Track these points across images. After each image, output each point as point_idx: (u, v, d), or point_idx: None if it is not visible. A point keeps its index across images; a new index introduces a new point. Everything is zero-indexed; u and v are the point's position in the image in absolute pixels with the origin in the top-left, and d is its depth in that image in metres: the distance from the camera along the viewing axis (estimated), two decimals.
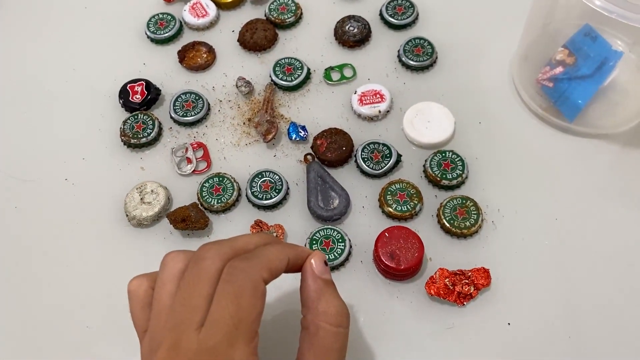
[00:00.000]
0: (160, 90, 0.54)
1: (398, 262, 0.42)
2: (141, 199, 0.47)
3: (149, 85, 0.53)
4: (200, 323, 0.31)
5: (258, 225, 0.46)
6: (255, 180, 0.48)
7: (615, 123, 0.50)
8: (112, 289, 0.44)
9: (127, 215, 0.47)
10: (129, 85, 0.53)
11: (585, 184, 0.48)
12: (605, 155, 0.49)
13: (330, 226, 0.46)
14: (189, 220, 0.46)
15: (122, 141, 0.51)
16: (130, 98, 0.52)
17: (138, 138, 0.50)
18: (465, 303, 0.43)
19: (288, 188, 0.48)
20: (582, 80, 0.50)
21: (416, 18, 0.56)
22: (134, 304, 0.34)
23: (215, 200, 0.47)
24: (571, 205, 0.47)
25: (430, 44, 0.54)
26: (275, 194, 0.47)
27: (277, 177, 0.48)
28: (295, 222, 0.47)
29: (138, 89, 0.53)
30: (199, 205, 0.47)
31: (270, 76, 0.53)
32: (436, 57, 0.54)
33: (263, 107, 0.52)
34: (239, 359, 0.30)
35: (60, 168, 0.50)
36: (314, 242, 0.45)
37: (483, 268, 0.44)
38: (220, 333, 0.30)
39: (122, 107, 0.53)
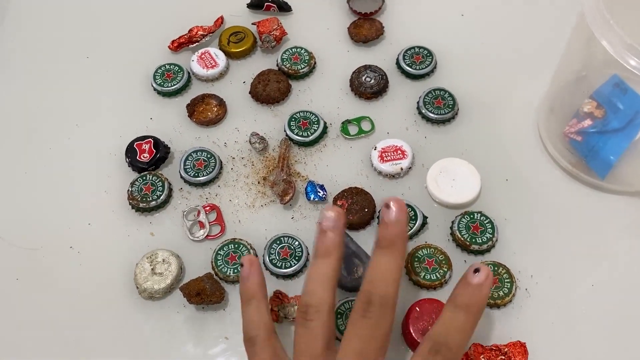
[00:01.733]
0: (170, 147, 0.51)
1: None
2: (152, 269, 0.44)
3: (157, 143, 0.50)
4: None
5: (278, 297, 0.43)
6: (273, 246, 0.45)
7: None
8: None
9: (137, 287, 0.44)
10: (136, 143, 0.50)
11: (621, 245, 0.45)
12: (638, 214, 0.47)
13: (355, 297, 0.43)
14: (203, 293, 0.43)
15: (130, 205, 0.48)
16: (137, 157, 0.50)
17: (147, 202, 0.47)
18: None
19: (308, 254, 0.45)
20: (612, 134, 0.48)
21: (435, 67, 0.54)
22: None
23: (232, 269, 0.44)
24: (608, 269, 0.44)
25: (451, 95, 0.52)
26: (295, 262, 0.45)
27: (296, 242, 0.45)
28: None
29: (146, 147, 0.50)
30: (214, 276, 0.44)
31: (284, 131, 0.51)
32: (457, 109, 0.52)
33: (279, 164, 0.49)
34: None
35: (65, 235, 0.47)
36: (339, 315, 0.42)
37: (519, 342, 0.41)
38: None
39: (129, 166, 0.50)
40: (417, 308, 0.41)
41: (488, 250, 0.45)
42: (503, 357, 0.40)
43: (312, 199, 0.48)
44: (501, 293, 0.43)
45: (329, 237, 0.37)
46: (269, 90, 0.53)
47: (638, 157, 0.48)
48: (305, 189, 0.48)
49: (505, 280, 0.43)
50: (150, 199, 0.48)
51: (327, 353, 0.35)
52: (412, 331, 0.40)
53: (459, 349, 0.34)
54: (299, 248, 0.45)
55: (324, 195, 0.48)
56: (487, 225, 0.45)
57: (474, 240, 0.45)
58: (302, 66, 0.54)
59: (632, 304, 0.43)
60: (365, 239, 0.46)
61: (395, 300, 0.35)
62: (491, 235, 0.45)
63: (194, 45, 0.56)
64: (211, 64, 0.55)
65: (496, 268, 0.44)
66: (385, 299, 0.35)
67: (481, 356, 0.40)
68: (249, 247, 0.45)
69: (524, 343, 0.41)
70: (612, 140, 0.48)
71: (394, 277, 0.36)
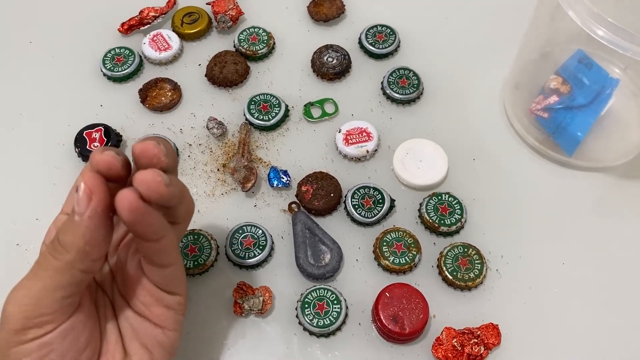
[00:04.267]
0: (122, 135, 0.48)
1: (402, 326, 0.38)
2: None
3: (108, 131, 0.47)
4: None
5: (241, 289, 0.41)
6: (235, 236, 0.43)
7: (615, 156, 0.47)
8: None
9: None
10: (85, 131, 0.47)
11: (590, 222, 0.45)
12: (607, 189, 0.46)
13: (323, 286, 0.41)
14: None
15: None
16: (87, 146, 0.47)
17: None
18: None
19: (273, 243, 0.43)
20: (579, 110, 0.47)
21: (398, 46, 0.52)
22: None
23: (191, 262, 0.42)
24: (577, 247, 0.44)
25: (415, 74, 0.50)
26: (259, 251, 0.43)
27: (260, 231, 0.43)
28: (283, 283, 0.42)
29: (96, 135, 0.47)
30: None
31: (244, 115, 0.49)
32: (422, 89, 0.50)
33: (239, 150, 0.47)
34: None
35: (10, 231, 0.44)
36: (306, 304, 0.40)
37: (492, 324, 0.40)
38: None
39: (79, 156, 0.47)
40: (386, 293, 0.39)
41: (457, 231, 0.44)
42: (476, 340, 0.39)
43: (275, 185, 0.46)
44: (472, 275, 0.41)
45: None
46: (226, 72, 0.50)
47: (605, 132, 0.47)
48: (268, 175, 0.46)
49: (476, 262, 0.42)
50: None
51: None
52: (382, 317, 0.38)
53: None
54: (262, 237, 0.43)
55: (287, 181, 0.46)
56: (455, 206, 0.44)
57: (442, 221, 0.43)
58: (261, 47, 0.52)
59: (603, 281, 0.42)
60: (331, 225, 0.44)
61: None
62: (460, 217, 0.44)
63: (146, 27, 0.53)
64: (164, 46, 0.52)
65: (466, 249, 0.42)
66: None
67: (453, 340, 0.39)
68: (209, 237, 0.43)
69: (497, 325, 0.40)
70: (578, 116, 0.47)
71: None
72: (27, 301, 0.30)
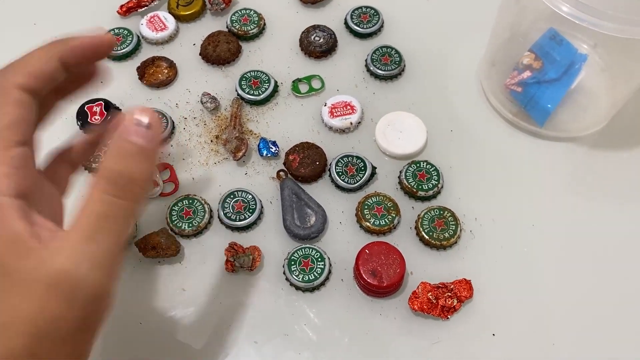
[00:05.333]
0: (121, 109, 0.51)
1: (380, 279, 0.41)
2: None
3: (108, 105, 0.50)
4: None
5: (233, 248, 0.44)
6: (227, 200, 0.46)
7: (584, 126, 0.50)
8: None
9: None
10: (87, 106, 0.50)
11: (559, 188, 0.48)
12: (575, 158, 0.50)
13: (308, 245, 0.44)
14: (159, 247, 0.43)
15: (83, 166, 0.48)
16: (89, 119, 0.50)
17: (99, 162, 0.48)
18: (449, 316, 0.42)
19: (262, 207, 0.47)
20: (550, 84, 0.50)
21: (382, 26, 0.56)
22: None
23: (186, 224, 0.45)
24: (547, 210, 0.47)
25: (397, 52, 0.53)
26: (249, 214, 0.46)
27: (250, 196, 0.46)
28: (271, 243, 0.45)
29: (97, 109, 0.50)
30: (169, 231, 0.45)
31: (236, 90, 0.52)
32: (404, 66, 0.53)
33: (231, 123, 0.50)
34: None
35: None
36: (293, 262, 0.43)
37: (465, 280, 0.43)
38: None
39: (80, 129, 0.50)
40: (366, 250, 0.42)
41: (434, 196, 0.47)
42: (449, 294, 0.42)
43: (264, 154, 0.49)
44: (447, 235, 0.45)
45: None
46: (219, 51, 0.53)
47: (574, 104, 0.50)
48: (258, 146, 0.49)
49: (451, 223, 0.45)
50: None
51: None
52: (361, 272, 0.42)
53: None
54: (252, 201, 0.46)
55: (276, 151, 0.49)
56: (432, 172, 0.47)
57: (420, 187, 0.47)
58: (252, 27, 0.55)
59: (570, 241, 0.45)
60: (317, 191, 0.47)
61: None
62: (437, 182, 0.47)
63: (143, 9, 0.56)
64: (160, 27, 0.55)
65: (442, 212, 0.45)
66: None
67: (428, 293, 0.42)
68: (203, 202, 0.46)
69: (469, 280, 0.43)
70: (549, 89, 0.50)
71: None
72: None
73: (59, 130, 0.50)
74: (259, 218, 0.46)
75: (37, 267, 0.26)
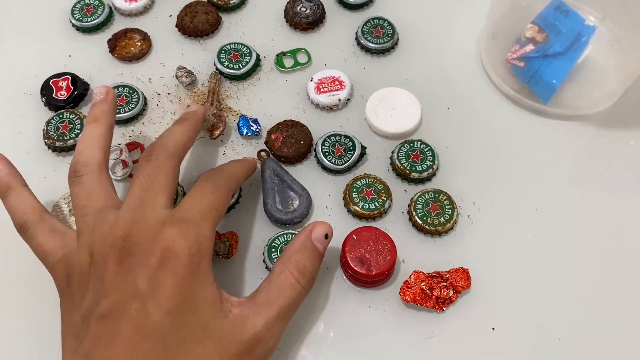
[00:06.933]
0: (89, 84, 0.47)
1: (369, 268, 0.38)
2: (70, 210, 0.41)
3: (75, 79, 0.46)
4: (164, 205, 0.34)
5: None
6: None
7: (591, 103, 0.46)
8: (44, 316, 0.37)
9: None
10: (52, 80, 0.46)
11: (565, 170, 0.44)
12: (582, 138, 0.46)
13: (291, 230, 0.41)
14: None
15: (46, 144, 0.44)
16: (54, 95, 0.46)
17: (64, 140, 0.44)
18: (444, 308, 0.38)
19: (241, 190, 0.43)
20: (554, 58, 0.46)
21: None
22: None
23: None
24: (551, 194, 0.43)
25: (390, 24, 0.49)
26: None
27: None
28: (250, 228, 0.41)
29: (63, 84, 0.46)
30: None
31: (214, 64, 0.48)
32: (397, 39, 0.49)
33: (208, 99, 0.46)
34: (207, 231, 0.34)
35: None
36: (273, 249, 0.40)
37: (462, 268, 0.39)
38: (195, 210, 0.34)
39: (45, 105, 0.46)
40: (354, 236, 0.39)
41: (429, 178, 0.43)
42: (445, 284, 0.39)
43: (245, 133, 0.45)
44: (442, 220, 0.41)
45: (98, 107, 0.38)
46: (197, 22, 0.49)
47: (581, 80, 0.47)
48: (238, 124, 0.45)
49: (447, 207, 0.41)
50: (68, 137, 0.44)
51: (109, 208, 0.35)
52: (348, 259, 0.38)
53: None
54: None
55: (257, 130, 0.45)
56: (427, 153, 0.43)
57: (413, 168, 0.43)
58: None
59: (576, 227, 0.42)
60: (302, 173, 0.44)
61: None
62: (431, 163, 0.43)
63: None
64: None
65: (437, 195, 0.42)
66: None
67: (422, 283, 0.38)
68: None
69: (467, 269, 0.39)
70: (554, 64, 0.46)
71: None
72: None
73: (20, 106, 0.46)
74: (237, 202, 0.42)
75: (233, 329, 0.32)
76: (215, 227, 0.35)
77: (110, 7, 0.51)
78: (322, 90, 0.46)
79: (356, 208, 0.41)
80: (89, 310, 0.31)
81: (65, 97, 0.45)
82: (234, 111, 0.46)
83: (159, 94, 0.47)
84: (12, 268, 0.40)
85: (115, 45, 0.48)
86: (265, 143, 0.44)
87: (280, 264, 0.35)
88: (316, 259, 0.36)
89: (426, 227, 0.41)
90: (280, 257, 0.36)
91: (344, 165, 0.43)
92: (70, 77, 0.46)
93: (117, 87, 0.46)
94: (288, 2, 0.50)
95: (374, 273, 0.37)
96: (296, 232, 0.40)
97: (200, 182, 0.37)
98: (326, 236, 0.36)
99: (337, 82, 0.46)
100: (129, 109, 0.45)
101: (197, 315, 0.32)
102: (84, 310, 0.32)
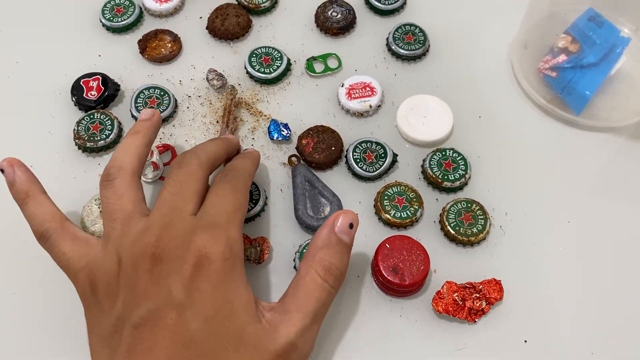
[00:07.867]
0: (119, 85, 0.47)
1: (402, 277, 0.37)
2: (101, 211, 0.41)
3: (106, 80, 0.46)
4: (193, 211, 0.34)
5: None
6: None
7: (624, 115, 0.46)
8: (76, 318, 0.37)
9: (85, 231, 0.40)
10: (82, 80, 0.46)
11: (596, 182, 0.44)
12: (615, 150, 0.45)
13: None
14: None
15: (76, 145, 0.44)
16: (84, 95, 0.45)
17: (95, 141, 0.44)
18: (476, 320, 0.38)
19: (267, 198, 0.42)
20: (588, 69, 0.46)
21: (404, 2, 0.51)
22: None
23: None
24: (584, 206, 0.43)
25: (421, 30, 0.49)
26: (252, 205, 0.41)
27: (253, 185, 0.42)
28: (281, 234, 0.41)
29: (93, 84, 0.46)
30: None
31: (245, 68, 0.47)
32: (429, 45, 0.49)
33: (223, 119, 0.45)
34: (235, 233, 0.33)
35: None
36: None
37: (494, 280, 0.39)
38: (221, 214, 0.34)
39: (75, 105, 0.46)
40: (387, 245, 0.38)
41: (461, 187, 0.43)
42: (477, 295, 0.38)
43: (275, 138, 0.45)
44: (475, 230, 0.40)
45: (141, 123, 0.39)
46: (228, 25, 0.49)
47: (614, 92, 0.46)
48: (268, 128, 0.45)
49: (479, 217, 0.41)
50: (98, 138, 0.44)
51: (138, 214, 0.35)
52: (381, 268, 0.37)
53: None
54: (255, 191, 0.42)
55: (288, 135, 0.45)
56: (459, 162, 0.43)
57: (445, 177, 0.42)
58: (264, 0, 0.50)
59: (608, 240, 0.41)
60: (332, 179, 0.43)
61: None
62: (464, 172, 0.43)
63: None
64: None
65: (470, 205, 0.41)
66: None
67: (454, 294, 0.38)
68: None
69: (499, 280, 0.39)
70: (587, 75, 0.46)
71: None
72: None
73: (51, 106, 0.46)
74: (263, 210, 0.42)
75: (267, 336, 0.32)
76: (242, 228, 0.35)
77: (141, 8, 0.51)
78: (353, 96, 0.46)
79: (387, 216, 0.41)
80: (121, 320, 0.31)
81: (95, 97, 0.45)
82: (264, 115, 0.46)
83: (189, 97, 0.47)
84: (33, 276, 0.40)
85: (145, 46, 0.48)
86: (296, 148, 0.44)
87: (305, 264, 0.34)
88: (343, 253, 0.34)
89: (459, 237, 0.40)
90: (305, 255, 0.34)
91: (375, 173, 0.43)
92: (100, 77, 0.46)
93: (148, 88, 0.46)
94: (319, 7, 0.50)
95: (407, 283, 0.37)
96: None
97: (218, 185, 0.36)
98: (351, 225, 0.34)
99: (368, 88, 0.46)
100: (160, 111, 0.45)
101: (233, 321, 0.31)
102: (115, 320, 0.31)
